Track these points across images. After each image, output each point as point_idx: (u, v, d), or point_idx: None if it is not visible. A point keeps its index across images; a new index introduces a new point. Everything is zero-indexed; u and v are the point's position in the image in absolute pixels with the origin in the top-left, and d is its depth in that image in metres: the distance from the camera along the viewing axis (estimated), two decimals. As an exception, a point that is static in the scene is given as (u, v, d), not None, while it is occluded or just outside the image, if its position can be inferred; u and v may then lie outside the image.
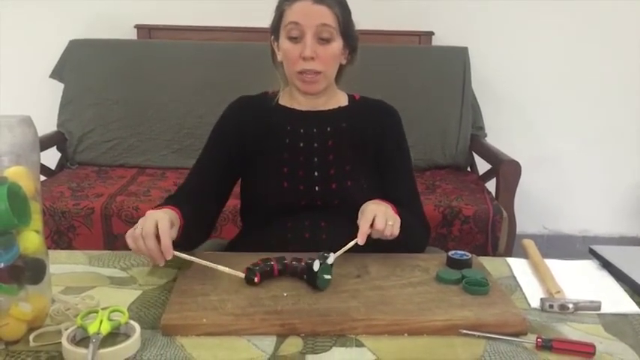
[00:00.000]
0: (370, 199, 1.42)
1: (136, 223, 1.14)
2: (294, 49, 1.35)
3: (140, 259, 1.28)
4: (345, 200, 1.40)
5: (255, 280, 1.09)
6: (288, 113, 1.45)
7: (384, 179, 1.46)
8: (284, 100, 1.47)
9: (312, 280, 1.08)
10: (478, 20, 3.15)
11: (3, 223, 0.87)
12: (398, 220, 1.20)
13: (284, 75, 1.43)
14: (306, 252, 1.23)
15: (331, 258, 1.10)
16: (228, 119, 1.48)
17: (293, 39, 1.35)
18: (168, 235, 1.11)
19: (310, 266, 1.08)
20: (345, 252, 1.15)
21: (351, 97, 1.51)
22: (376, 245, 1.20)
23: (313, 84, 1.38)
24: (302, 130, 1.44)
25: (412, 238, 1.35)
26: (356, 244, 1.16)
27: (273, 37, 1.43)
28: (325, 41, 1.35)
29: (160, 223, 1.12)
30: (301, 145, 1.43)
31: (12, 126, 0.90)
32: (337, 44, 1.37)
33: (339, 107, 1.47)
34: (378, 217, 1.17)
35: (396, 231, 1.18)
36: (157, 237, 1.10)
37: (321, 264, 1.07)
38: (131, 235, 1.13)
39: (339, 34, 1.36)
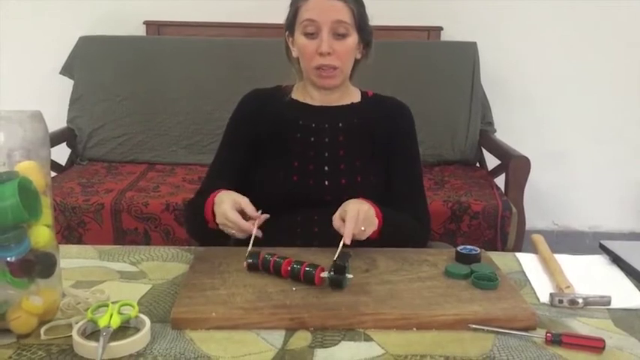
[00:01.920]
0: (379, 195, 1.42)
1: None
2: (310, 45, 1.36)
3: (149, 253, 1.29)
4: (355, 195, 1.39)
5: (244, 264, 1.13)
6: (300, 107, 1.46)
7: (391, 174, 1.46)
8: (297, 95, 1.48)
9: (339, 282, 1.05)
10: (487, 15, 3.13)
11: (14, 217, 0.88)
12: (372, 225, 1.20)
13: (299, 70, 1.44)
14: (312, 246, 1.24)
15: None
16: (242, 111, 1.50)
17: (309, 35, 1.36)
18: (237, 220, 1.20)
19: (341, 266, 1.04)
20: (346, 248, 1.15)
21: (363, 94, 1.51)
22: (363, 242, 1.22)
23: (330, 78, 1.39)
24: (314, 125, 1.45)
25: (400, 237, 1.34)
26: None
27: (287, 32, 1.43)
28: (341, 36, 1.36)
29: (229, 216, 1.20)
30: (312, 139, 1.44)
31: (23, 121, 0.91)
32: (353, 39, 1.37)
33: (352, 103, 1.48)
34: (359, 217, 1.16)
35: (365, 236, 1.18)
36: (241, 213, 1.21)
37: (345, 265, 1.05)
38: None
39: (355, 28, 1.37)
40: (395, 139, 1.47)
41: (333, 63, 1.36)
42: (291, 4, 1.41)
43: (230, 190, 1.27)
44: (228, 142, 1.49)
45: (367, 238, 1.21)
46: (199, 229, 1.35)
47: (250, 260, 1.13)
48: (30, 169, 0.92)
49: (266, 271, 1.11)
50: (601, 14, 3.10)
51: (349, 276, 1.06)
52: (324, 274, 1.05)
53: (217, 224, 1.24)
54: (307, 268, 1.07)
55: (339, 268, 1.05)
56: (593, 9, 3.10)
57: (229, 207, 1.20)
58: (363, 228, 1.16)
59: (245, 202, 1.22)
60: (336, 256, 1.08)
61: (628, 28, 3.12)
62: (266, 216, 1.23)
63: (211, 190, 1.30)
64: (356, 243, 1.17)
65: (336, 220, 1.18)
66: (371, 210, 1.21)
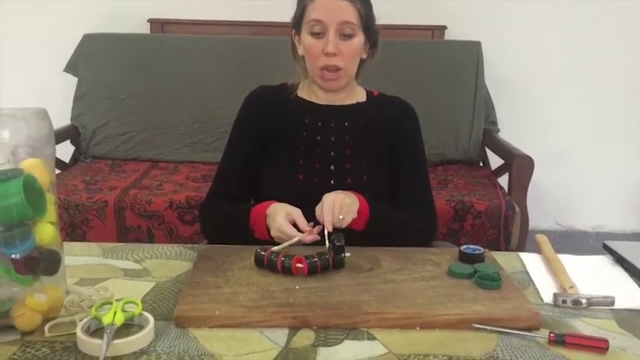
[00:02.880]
0: (385, 194, 1.43)
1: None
2: (316, 45, 1.36)
3: (152, 251, 1.29)
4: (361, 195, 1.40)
5: (252, 258, 1.15)
6: (306, 106, 1.46)
7: (397, 175, 1.46)
8: (303, 93, 1.48)
9: (341, 261, 1.12)
10: (491, 14, 3.13)
11: (19, 215, 0.88)
12: (351, 213, 1.25)
13: (304, 69, 1.44)
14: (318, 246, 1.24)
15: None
16: (248, 108, 1.50)
17: (315, 34, 1.36)
18: (292, 232, 1.23)
19: (340, 246, 1.12)
20: (352, 246, 1.16)
21: (369, 94, 1.51)
22: (367, 237, 1.26)
23: (334, 81, 1.39)
24: (320, 124, 1.45)
25: (395, 232, 1.37)
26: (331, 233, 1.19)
27: (294, 31, 1.43)
28: (347, 37, 1.36)
29: (284, 230, 1.24)
30: (318, 138, 1.44)
31: (28, 118, 0.92)
32: (359, 39, 1.38)
33: (357, 103, 1.48)
34: (335, 207, 1.22)
35: (344, 224, 1.22)
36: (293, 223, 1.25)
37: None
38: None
39: (361, 29, 1.37)
40: (400, 138, 1.47)
41: (338, 63, 1.37)
42: (299, 3, 1.41)
43: (240, 187, 1.36)
44: (235, 141, 1.50)
45: (356, 230, 1.26)
46: (232, 238, 1.34)
47: (262, 252, 1.13)
48: (35, 167, 0.92)
49: (271, 269, 1.12)
50: (604, 14, 3.09)
51: (347, 254, 1.13)
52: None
53: (270, 237, 1.28)
54: (318, 259, 1.11)
55: (338, 248, 1.12)
56: (596, 9, 3.09)
57: (283, 220, 1.24)
58: (341, 217, 1.21)
59: (296, 214, 1.26)
60: (327, 242, 1.15)
61: (631, 28, 3.11)
62: (315, 236, 1.23)
63: (229, 195, 1.40)
64: (358, 242, 1.19)
65: (317, 211, 1.23)
66: (348, 199, 1.26)
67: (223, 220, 1.43)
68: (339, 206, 1.22)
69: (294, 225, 1.24)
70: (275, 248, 1.16)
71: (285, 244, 1.20)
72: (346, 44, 1.36)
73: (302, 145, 1.44)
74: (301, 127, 1.45)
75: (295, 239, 1.21)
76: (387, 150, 1.46)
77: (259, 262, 1.14)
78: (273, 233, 1.27)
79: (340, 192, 1.27)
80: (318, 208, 1.23)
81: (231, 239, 1.32)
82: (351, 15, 1.35)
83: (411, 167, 1.48)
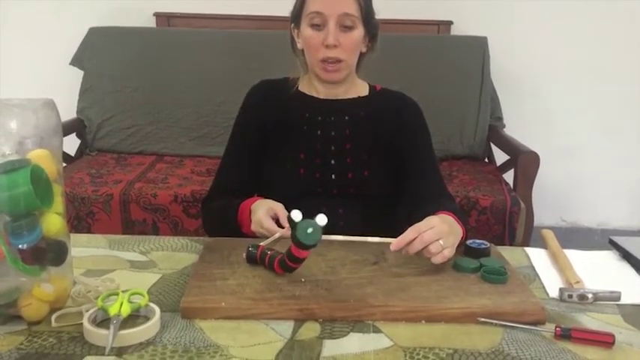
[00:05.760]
0: (386, 189, 1.41)
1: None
2: (316, 37, 1.35)
3: (158, 244, 1.30)
4: (361, 189, 1.40)
5: (243, 255, 1.13)
6: (307, 100, 1.46)
7: (410, 172, 1.44)
8: (303, 87, 1.48)
9: (293, 236, 1.00)
10: (497, 10, 3.12)
11: (26, 205, 0.88)
12: (451, 248, 1.12)
13: (304, 63, 1.43)
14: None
15: (321, 218, 1.01)
16: (250, 102, 1.50)
17: (315, 26, 1.35)
18: (271, 227, 1.23)
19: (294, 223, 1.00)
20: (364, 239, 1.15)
21: (372, 88, 1.51)
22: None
23: (335, 72, 1.38)
24: (320, 118, 1.45)
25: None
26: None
27: (293, 24, 1.43)
28: (347, 29, 1.35)
29: (263, 224, 1.24)
30: (319, 132, 1.44)
31: (36, 109, 0.92)
32: (359, 32, 1.37)
33: (359, 97, 1.48)
34: (435, 236, 1.09)
35: (447, 256, 1.10)
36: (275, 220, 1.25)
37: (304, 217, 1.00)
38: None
39: (361, 21, 1.37)
40: (403, 134, 1.45)
41: (338, 55, 1.36)
42: None
43: (243, 181, 1.36)
44: (238, 135, 1.50)
45: None
46: (227, 232, 1.34)
47: (251, 249, 1.12)
48: (42, 157, 0.92)
49: (262, 264, 1.11)
50: (612, 10, 3.08)
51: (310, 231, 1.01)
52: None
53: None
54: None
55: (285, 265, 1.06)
56: (603, 4, 3.08)
57: (264, 215, 1.24)
58: (446, 254, 1.09)
59: (279, 208, 1.25)
60: (368, 239, 1.14)
61: (639, 24, 3.09)
62: None
63: (231, 189, 1.40)
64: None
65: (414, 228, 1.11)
66: (452, 237, 1.13)
67: (217, 214, 1.43)
68: (443, 235, 1.10)
69: (278, 220, 1.24)
70: (262, 243, 1.15)
71: (269, 240, 1.20)
72: (346, 36, 1.35)
73: (303, 140, 1.44)
74: (302, 121, 1.45)
75: (277, 235, 1.20)
76: (388, 144, 1.45)
77: (251, 259, 1.12)
78: (252, 227, 1.27)
79: (445, 223, 1.14)
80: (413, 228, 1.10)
81: (225, 233, 1.32)
82: (351, 7, 1.35)
83: (425, 162, 1.46)
